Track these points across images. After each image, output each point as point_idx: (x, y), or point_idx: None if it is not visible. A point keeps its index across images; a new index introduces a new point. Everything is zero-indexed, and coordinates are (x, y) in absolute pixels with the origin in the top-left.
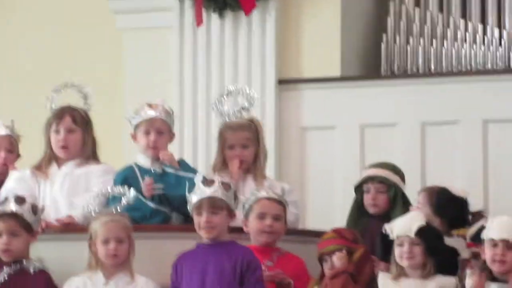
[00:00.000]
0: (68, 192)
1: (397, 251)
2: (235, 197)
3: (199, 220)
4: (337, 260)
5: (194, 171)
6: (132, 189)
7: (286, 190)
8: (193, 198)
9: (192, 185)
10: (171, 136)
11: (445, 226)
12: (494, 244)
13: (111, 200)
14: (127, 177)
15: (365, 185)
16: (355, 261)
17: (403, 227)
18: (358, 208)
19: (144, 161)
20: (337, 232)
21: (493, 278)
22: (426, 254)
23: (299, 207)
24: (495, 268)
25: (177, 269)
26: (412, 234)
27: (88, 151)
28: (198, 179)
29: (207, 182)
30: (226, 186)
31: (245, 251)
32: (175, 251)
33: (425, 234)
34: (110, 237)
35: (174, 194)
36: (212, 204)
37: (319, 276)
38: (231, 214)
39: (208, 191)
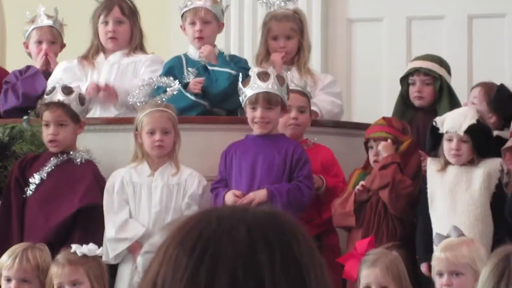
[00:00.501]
0: (115, 81)
1: (445, 145)
2: (288, 91)
3: (253, 115)
4: (382, 149)
5: (238, 62)
6: (176, 81)
7: (330, 81)
8: (248, 92)
9: (231, 81)
10: (219, 25)
11: (501, 123)
12: None
13: (155, 90)
14: (173, 67)
15: (411, 77)
16: (402, 151)
17: (453, 122)
18: (404, 101)
19: (194, 52)
20: (387, 120)
21: None
22: (474, 151)
23: (342, 99)
24: None
25: (227, 159)
26: (462, 132)
27: (135, 42)
28: (253, 72)
29: (263, 76)
30: (280, 80)
31: (295, 144)
32: (221, 143)
33: (475, 132)
34: (156, 127)
35: (211, 90)
36: (268, 100)
37: (364, 164)
38: (284, 108)
39: (263, 86)
